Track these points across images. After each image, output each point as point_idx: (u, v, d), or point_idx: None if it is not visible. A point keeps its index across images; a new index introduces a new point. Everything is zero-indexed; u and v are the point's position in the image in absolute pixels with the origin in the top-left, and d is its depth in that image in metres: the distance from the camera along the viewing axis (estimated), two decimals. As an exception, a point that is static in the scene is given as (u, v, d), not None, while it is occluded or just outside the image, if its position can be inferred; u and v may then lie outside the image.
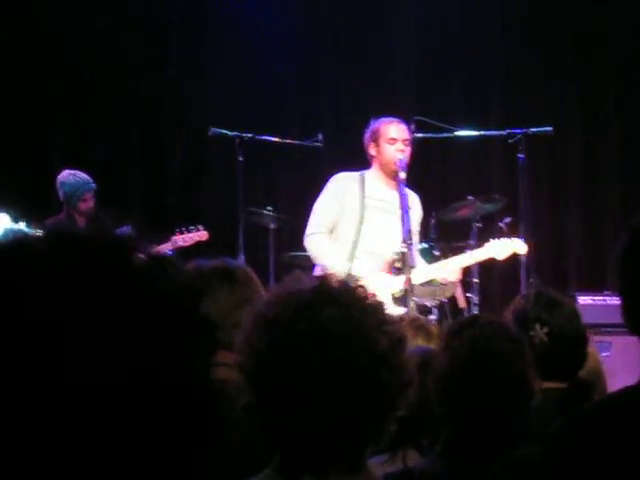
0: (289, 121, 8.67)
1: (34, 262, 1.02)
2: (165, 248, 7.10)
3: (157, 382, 1.00)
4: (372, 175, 6.04)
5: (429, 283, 6.08)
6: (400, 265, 5.68)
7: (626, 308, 1.80)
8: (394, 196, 5.85)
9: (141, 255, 1.07)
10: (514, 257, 6.28)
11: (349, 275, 5.70)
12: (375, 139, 5.96)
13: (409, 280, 5.54)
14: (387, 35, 8.94)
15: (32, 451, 0.95)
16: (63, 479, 0.96)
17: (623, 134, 8.67)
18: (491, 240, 6.15)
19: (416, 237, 6.09)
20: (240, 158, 6.67)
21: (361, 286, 1.78)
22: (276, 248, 7.37)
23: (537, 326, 3.10)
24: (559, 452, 1.71)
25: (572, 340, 3.16)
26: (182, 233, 7.18)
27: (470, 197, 7.07)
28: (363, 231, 5.90)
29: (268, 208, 7.38)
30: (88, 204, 7.27)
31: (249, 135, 6.75)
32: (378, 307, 1.75)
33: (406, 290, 5.59)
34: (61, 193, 7.27)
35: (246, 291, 2.68)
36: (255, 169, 8.11)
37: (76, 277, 1.01)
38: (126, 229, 7.59)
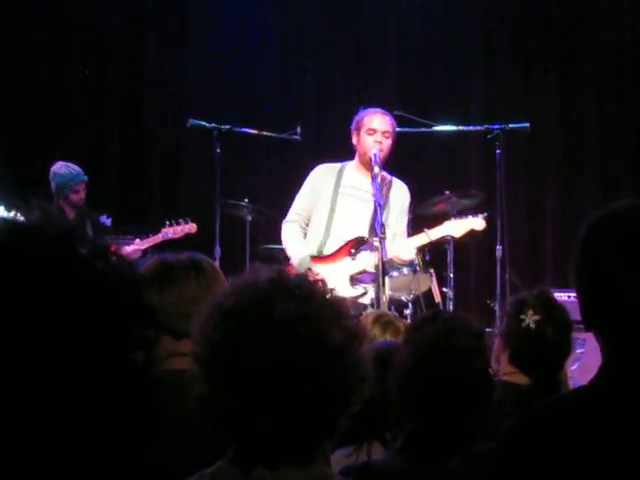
0: (267, 113, 8.67)
1: None
2: (155, 240, 7.14)
3: (94, 371, 1.00)
4: (352, 165, 6.10)
5: (389, 264, 6.07)
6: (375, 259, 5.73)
7: (583, 305, 1.79)
8: (371, 184, 5.89)
9: (87, 247, 1.07)
10: (472, 234, 6.27)
11: (304, 262, 5.81)
12: (357, 128, 6.02)
13: (383, 276, 5.56)
14: (367, 29, 8.93)
15: None
16: None
17: (601, 131, 8.69)
18: (451, 219, 6.18)
19: (402, 224, 6.16)
20: (218, 150, 6.67)
21: (320, 280, 1.77)
22: (253, 240, 7.37)
23: (530, 312, 3.12)
24: (510, 452, 1.70)
25: (555, 342, 3.17)
26: (172, 225, 7.22)
27: (447, 192, 7.08)
28: (334, 218, 5.96)
29: (245, 200, 7.38)
30: (80, 195, 7.35)
31: (227, 127, 6.74)
32: (336, 302, 1.75)
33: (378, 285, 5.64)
34: (53, 184, 7.31)
35: (212, 283, 2.67)
36: (233, 161, 8.10)
37: (17, 267, 1.01)
38: (105, 219, 7.61)
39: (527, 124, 6.83)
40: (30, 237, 1.05)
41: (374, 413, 2.70)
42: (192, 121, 6.77)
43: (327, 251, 5.98)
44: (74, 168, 7.35)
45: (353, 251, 5.93)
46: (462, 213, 6.35)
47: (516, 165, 8.25)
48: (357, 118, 6.06)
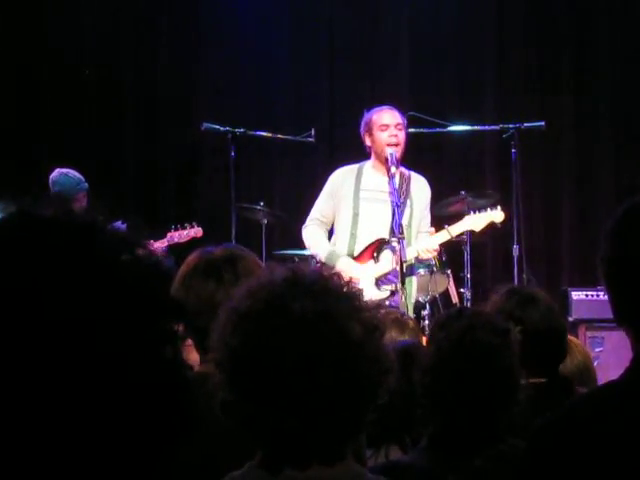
0: (282, 116, 8.64)
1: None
2: (161, 244, 7.10)
3: (121, 368, 0.97)
4: (369, 165, 6.06)
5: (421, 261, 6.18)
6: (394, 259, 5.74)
7: (613, 299, 1.74)
8: (389, 182, 5.89)
9: (112, 240, 1.04)
10: (492, 227, 6.27)
11: (332, 257, 5.84)
12: (369, 129, 5.98)
13: (402, 276, 5.54)
14: (380, 30, 8.91)
15: None
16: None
17: (616, 129, 8.65)
18: (470, 214, 6.18)
19: (425, 221, 6.16)
20: (232, 153, 6.66)
21: (336, 273, 1.75)
22: (268, 244, 7.35)
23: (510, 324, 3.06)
24: (540, 449, 1.67)
25: (548, 336, 3.11)
26: (177, 230, 7.18)
27: (463, 192, 7.06)
28: (359, 222, 5.92)
29: (260, 204, 7.37)
30: (80, 203, 7.19)
31: (241, 130, 6.74)
32: (353, 295, 1.72)
33: (395, 285, 5.63)
34: (53, 192, 7.20)
35: (231, 288, 2.62)
36: (247, 164, 8.10)
37: (41, 257, 0.98)
38: (120, 225, 7.57)
39: (542, 123, 6.80)
40: (47, 229, 1.02)
41: (392, 416, 2.67)
42: (206, 125, 6.77)
43: (356, 254, 5.96)
44: (74, 176, 7.16)
45: (375, 255, 5.91)
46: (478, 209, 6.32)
47: (532, 164, 8.22)
48: (365, 120, 6.04)
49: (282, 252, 7.27)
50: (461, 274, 7.13)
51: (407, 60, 8.91)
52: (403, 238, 5.57)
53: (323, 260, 5.91)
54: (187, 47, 8.93)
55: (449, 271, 6.96)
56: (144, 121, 8.89)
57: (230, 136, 6.68)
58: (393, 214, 5.69)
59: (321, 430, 1.63)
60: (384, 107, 6.06)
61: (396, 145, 5.90)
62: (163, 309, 1.03)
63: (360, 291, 1.76)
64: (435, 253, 6.03)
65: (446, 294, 7.08)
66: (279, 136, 7.24)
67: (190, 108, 8.69)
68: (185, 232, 7.19)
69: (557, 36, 8.79)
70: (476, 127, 7.25)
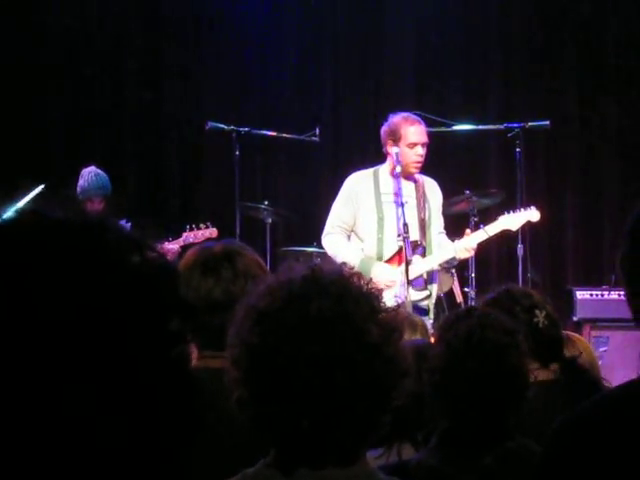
0: (286, 115, 8.64)
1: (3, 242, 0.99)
2: (176, 244, 7.11)
3: (131, 367, 0.97)
4: (386, 170, 6.04)
5: (448, 262, 6.18)
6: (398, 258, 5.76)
7: (633, 299, 1.70)
8: (407, 186, 5.94)
9: (121, 241, 1.04)
10: (528, 225, 6.36)
11: (366, 264, 5.83)
12: (394, 139, 5.91)
13: (407, 274, 5.57)
14: (385, 29, 8.91)
15: None
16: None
17: (621, 128, 8.65)
18: (504, 214, 6.21)
19: (438, 222, 6.19)
20: (237, 152, 6.68)
21: (356, 273, 1.75)
22: (273, 242, 7.36)
23: (537, 311, 3.09)
24: (559, 448, 1.65)
25: (558, 323, 3.17)
26: (192, 230, 7.19)
27: (467, 191, 7.06)
28: (385, 226, 5.93)
29: (265, 202, 7.37)
30: (94, 206, 7.19)
31: (246, 129, 6.75)
32: (373, 296, 1.71)
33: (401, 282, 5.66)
34: (78, 185, 7.24)
35: (230, 286, 2.61)
36: (252, 163, 8.10)
37: (48, 257, 0.98)
38: (124, 224, 7.57)
39: (547, 122, 6.81)
40: (57, 229, 1.01)
41: (404, 414, 2.67)
42: (211, 124, 6.79)
43: (385, 257, 5.97)
44: (99, 179, 7.18)
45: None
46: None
47: (536, 163, 8.22)
48: (391, 127, 5.95)
49: (288, 249, 7.27)
50: (465, 273, 7.13)
51: (411, 59, 8.90)
52: (408, 237, 5.59)
53: (356, 268, 5.88)
54: (192, 46, 8.93)
55: (453, 270, 6.96)
56: (149, 120, 8.89)
57: (235, 135, 6.70)
58: (397, 214, 5.72)
59: (335, 431, 1.63)
60: (414, 120, 5.99)
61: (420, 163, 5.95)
62: (172, 310, 1.02)
63: (380, 292, 1.75)
64: (473, 252, 6.04)
65: (450, 293, 7.08)
66: (283, 135, 7.26)
67: (195, 107, 8.69)
68: (200, 232, 7.19)
69: (562, 35, 8.79)
70: (480, 126, 7.26)
